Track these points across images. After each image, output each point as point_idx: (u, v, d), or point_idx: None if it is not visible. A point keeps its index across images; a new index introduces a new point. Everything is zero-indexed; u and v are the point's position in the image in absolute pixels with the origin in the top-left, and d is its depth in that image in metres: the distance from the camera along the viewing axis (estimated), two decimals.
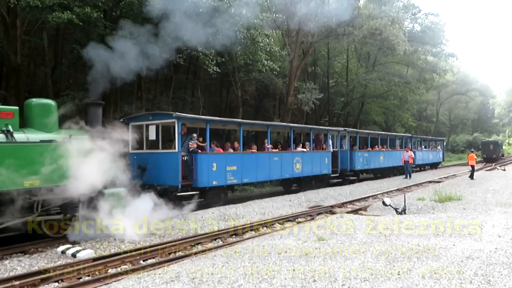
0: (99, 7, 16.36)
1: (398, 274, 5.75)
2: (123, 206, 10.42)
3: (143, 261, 8.47)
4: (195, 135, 14.35)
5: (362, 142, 27.38)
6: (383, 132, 31.86)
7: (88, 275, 7.52)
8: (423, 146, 35.34)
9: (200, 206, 13.67)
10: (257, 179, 16.54)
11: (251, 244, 8.30)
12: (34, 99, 9.77)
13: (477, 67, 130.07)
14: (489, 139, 64.75)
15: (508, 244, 7.41)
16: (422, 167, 34.68)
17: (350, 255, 6.87)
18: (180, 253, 9.06)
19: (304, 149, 19.49)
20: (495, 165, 38.91)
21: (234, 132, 21.12)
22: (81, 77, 21.35)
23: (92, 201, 10.03)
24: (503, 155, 56.76)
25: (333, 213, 13.95)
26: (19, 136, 8.84)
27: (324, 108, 38.48)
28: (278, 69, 25.98)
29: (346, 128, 24.96)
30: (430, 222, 9.69)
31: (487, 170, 32.43)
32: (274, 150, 17.85)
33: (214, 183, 14.25)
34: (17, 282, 6.90)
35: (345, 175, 22.78)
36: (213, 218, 12.58)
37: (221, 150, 15.41)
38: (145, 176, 13.45)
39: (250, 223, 11.76)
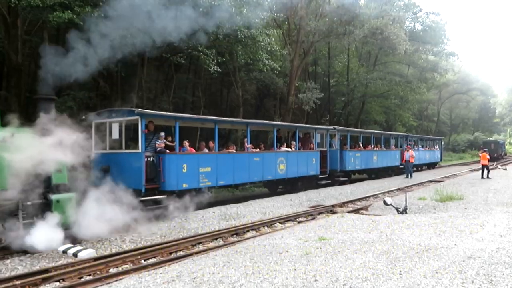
0: (99, 7, 16.35)
1: (400, 274, 5.74)
2: (70, 213, 9.42)
3: (144, 260, 8.47)
4: (162, 133, 13.34)
5: (354, 141, 26.38)
6: (376, 131, 30.86)
7: (89, 275, 7.52)
8: (420, 146, 34.53)
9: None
10: (234, 181, 15.30)
11: (252, 244, 8.30)
12: None
13: (478, 66, 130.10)
14: (490, 138, 64.77)
15: (510, 243, 7.39)
16: (419, 167, 33.93)
17: (352, 254, 6.86)
18: (181, 253, 9.06)
19: (289, 149, 18.53)
20: (496, 164, 38.90)
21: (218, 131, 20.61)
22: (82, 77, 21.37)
23: (35, 207, 9.11)
24: (505, 155, 56.79)
25: (334, 212, 13.94)
26: None
27: (325, 108, 38.46)
28: (279, 68, 25.95)
29: (336, 127, 23.88)
30: (432, 222, 9.68)
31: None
32: (254, 150, 16.88)
33: (185, 186, 13.08)
34: (18, 282, 6.91)
35: (335, 176, 21.86)
36: (214, 218, 12.58)
37: (193, 150, 14.32)
38: (108, 178, 11.98)
39: (251, 223, 11.76)
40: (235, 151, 15.95)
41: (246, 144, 16.58)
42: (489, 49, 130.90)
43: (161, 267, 7.28)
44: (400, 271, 5.85)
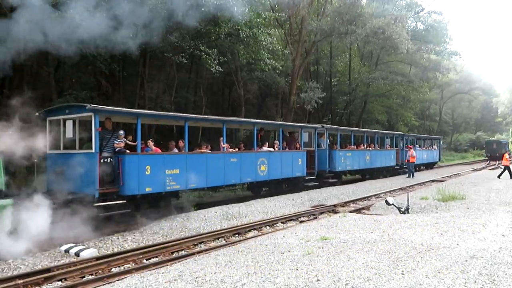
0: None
1: (402, 274, 5.73)
2: (6, 223, 8.56)
3: (146, 260, 8.47)
4: (122, 132, 12.15)
5: (345, 140, 25.45)
6: (369, 130, 29.48)
7: (91, 274, 7.53)
8: (417, 145, 33.50)
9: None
10: (207, 184, 13.99)
11: (254, 243, 8.29)
12: None
13: (481, 66, 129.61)
14: (493, 138, 64.61)
15: None
16: (416, 168, 32.44)
17: (354, 254, 6.85)
18: (183, 252, 9.07)
19: (271, 149, 17.32)
20: (498, 163, 38.80)
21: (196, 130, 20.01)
22: (84, 76, 21.41)
23: None
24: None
25: (336, 212, 13.93)
26: None
27: (327, 107, 38.43)
28: (280, 68, 25.94)
29: (324, 125, 22.62)
30: (434, 222, 9.66)
31: (490, 169, 32.32)
32: (232, 150, 15.71)
33: (148, 190, 11.84)
34: (20, 281, 6.92)
35: (323, 177, 20.69)
36: (216, 217, 12.58)
37: (159, 150, 13.10)
38: (62, 182, 11.20)
39: (253, 222, 11.76)
40: (209, 151, 14.71)
41: (221, 143, 15.27)
42: (491, 48, 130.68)
43: (163, 266, 7.28)
44: (403, 271, 5.83)
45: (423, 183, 23.05)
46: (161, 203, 12.77)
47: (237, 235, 10.71)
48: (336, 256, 6.76)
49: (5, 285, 6.73)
